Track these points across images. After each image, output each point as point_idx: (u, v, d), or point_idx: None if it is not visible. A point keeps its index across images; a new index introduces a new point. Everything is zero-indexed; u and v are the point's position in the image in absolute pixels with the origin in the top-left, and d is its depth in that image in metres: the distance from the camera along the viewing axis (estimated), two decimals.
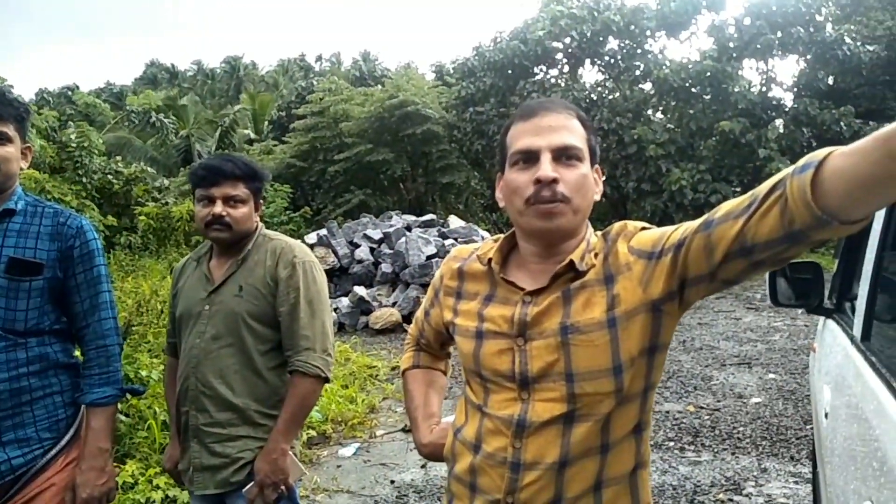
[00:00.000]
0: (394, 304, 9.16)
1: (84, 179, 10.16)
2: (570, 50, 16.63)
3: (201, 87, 35.31)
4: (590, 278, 1.21)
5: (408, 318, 8.92)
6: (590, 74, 19.22)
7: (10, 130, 1.84)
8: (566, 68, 17.53)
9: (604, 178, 1.33)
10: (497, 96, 17.08)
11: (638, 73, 16.38)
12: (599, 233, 1.29)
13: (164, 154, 19.13)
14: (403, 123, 16.88)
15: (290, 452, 1.99)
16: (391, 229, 10.28)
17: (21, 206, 1.88)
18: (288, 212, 14.74)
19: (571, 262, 1.20)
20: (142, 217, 12.49)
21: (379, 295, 9.40)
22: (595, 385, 1.16)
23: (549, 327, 1.19)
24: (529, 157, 1.20)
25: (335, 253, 10.00)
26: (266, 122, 23.73)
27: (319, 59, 42.49)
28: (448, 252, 9.17)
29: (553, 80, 16.99)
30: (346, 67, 38.68)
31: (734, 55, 14.62)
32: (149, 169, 13.48)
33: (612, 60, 16.75)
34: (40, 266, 1.83)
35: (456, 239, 10.02)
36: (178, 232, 12.25)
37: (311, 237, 10.41)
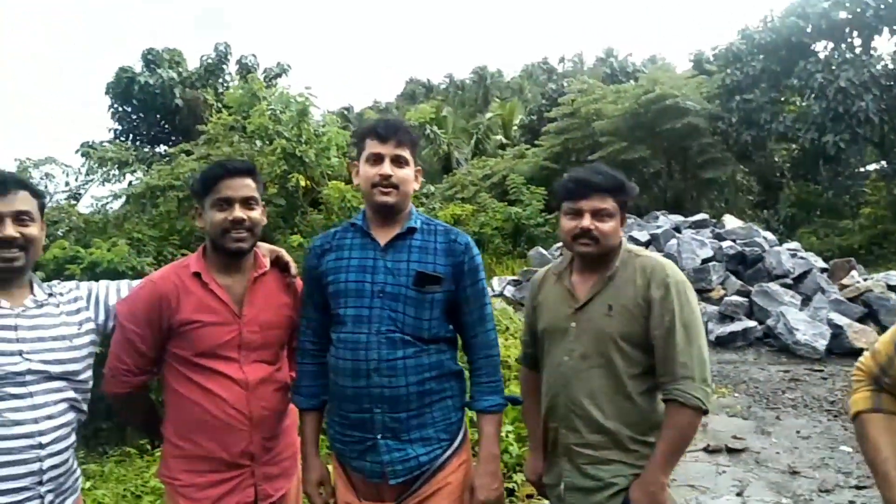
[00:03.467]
0: None
1: None
2: (864, 18, 14.33)
3: (453, 99, 37.62)
4: None
5: None
6: (887, 45, 16.32)
7: (407, 154, 2.03)
8: (857, 41, 15.16)
9: None
10: (769, 81, 15.45)
11: None
12: None
13: (426, 162, 20.78)
14: (660, 118, 16.08)
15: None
16: (659, 230, 9.81)
17: (418, 224, 2.05)
18: (543, 214, 14.90)
19: None
20: None
21: None
22: None
23: None
24: None
25: None
26: (515, 127, 24.41)
27: (562, 60, 42.63)
28: (727, 255, 8.32)
29: (839, 57, 14.80)
30: (589, 66, 38.24)
31: None
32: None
33: None
34: (440, 279, 1.98)
35: (734, 241, 9.20)
36: None
37: None
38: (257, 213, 2.05)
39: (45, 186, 12.67)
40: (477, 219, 14.67)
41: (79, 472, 2.03)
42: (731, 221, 10.28)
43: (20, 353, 1.84)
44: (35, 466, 1.82)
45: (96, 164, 12.07)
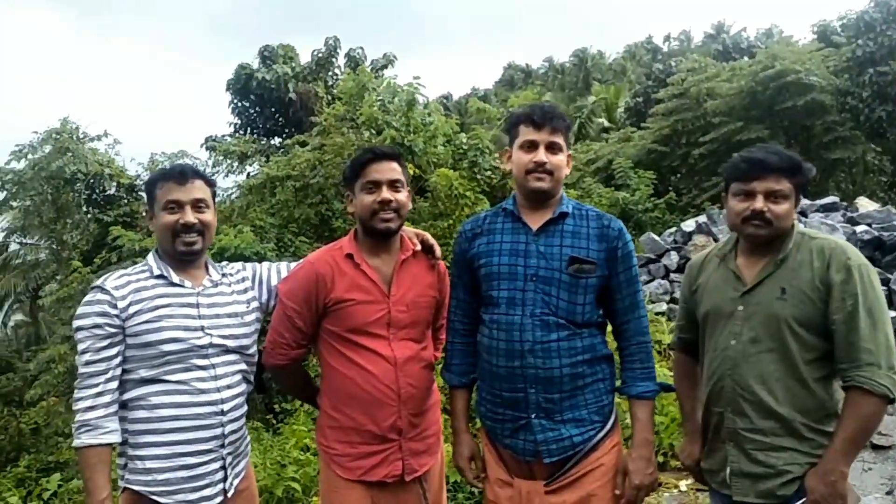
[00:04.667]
0: None
1: (478, 176, 11.42)
2: None
3: (552, 83, 36.99)
4: None
5: None
6: None
7: (561, 141, 2.04)
8: None
9: None
10: None
11: None
12: None
13: None
14: (779, 96, 15.08)
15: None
16: None
17: (570, 208, 2.07)
18: (652, 199, 14.40)
19: None
20: None
21: None
22: None
23: None
24: None
25: (717, 241, 9.40)
26: (620, 110, 23.68)
27: (667, 38, 40.85)
28: (862, 240, 7.72)
29: None
30: (697, 43, 36.37)
31: None
32: None
33: None
34: (594, 264, 1.99)
35: (870, 225, 8.52)
36: None
37: (689, 224, 9.98)
38: (403, 196, 2.14)
39: None
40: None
41: (248, 437, 2.22)
42: (865, 204, 9.52)
43: (202, 328, 2.02)
44: (218, 431, 2.01)
45: (221, 157, 12.90)
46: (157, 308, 1.98)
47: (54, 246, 13.36)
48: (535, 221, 2.05)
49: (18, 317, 20.45)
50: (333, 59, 15.71)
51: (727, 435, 1.97)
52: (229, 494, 2.05)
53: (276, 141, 15.79)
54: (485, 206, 11.58)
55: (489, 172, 13.98)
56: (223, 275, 2.19)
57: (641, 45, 39.79)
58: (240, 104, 15.79)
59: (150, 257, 2.10)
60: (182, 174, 2.08)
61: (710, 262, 2.13)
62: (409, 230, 2.30)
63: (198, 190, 2.09)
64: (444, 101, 33.39)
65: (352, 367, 2.10)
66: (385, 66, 15.07)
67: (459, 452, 2.18)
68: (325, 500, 2.19)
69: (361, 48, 15.33)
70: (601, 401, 2.02)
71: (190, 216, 2.05)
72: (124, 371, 1.98)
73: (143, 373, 1.97)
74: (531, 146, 2.02)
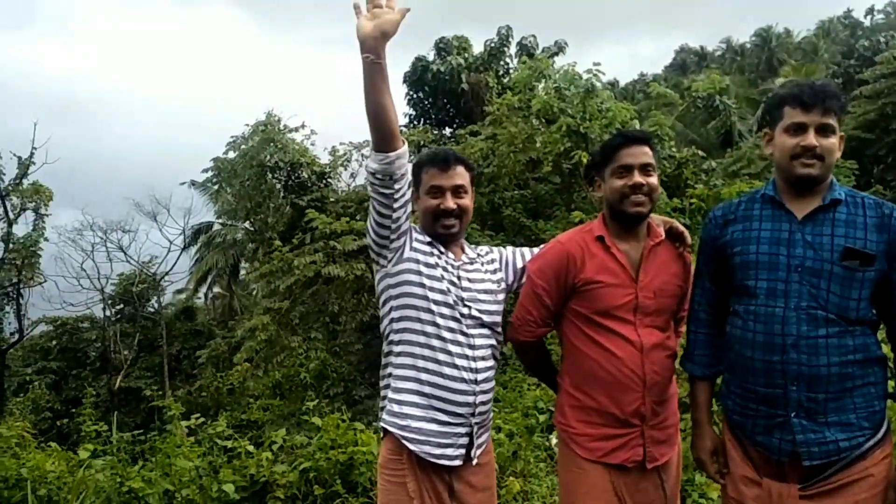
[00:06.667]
0: None
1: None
2: None
3: (730, 65, 34.42)
4: None
5: None
6: None
7: (834, 122, 1.89)
8: None
9: None
10: None
11: None
12: None
13: (702, 136, 19.36)
14: None
15: None
16: None
17: (842, 195, 1.91)
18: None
19: None
20: (693, 199, 12.79)
21: None
22: None
23: None
24: None
25: None
26: None
27: (870, 11, 36.30)
28: None
29: None
30: None
31: None
32: (699, 152, 13.75)
33: None
34: (872, 257, 1.83)
35: None
36: None
37: None
38: (654, 180, 2.12)
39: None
40: None
41: (492, 412, 2.32)
42: None
43: (463, 300, 2.15)
44: (471, 399, 2.13)
45: None
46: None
47: (256, 227, 14.88)
48: (800, 209, 1.92)
49: (216, 289, 23.15)
50: (505, 49, 15.85)
51: None
52: (473, 463, 2.16)
53: (447, 131, 16.26)
54: (661, 197, 11.09)
55: (665, 161, 13.36)
56: (477, 254, 2.32)
57: (838, 20, 35.77)
58: (415, 95, 16.45)
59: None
60: (445, 161, 2.22)
61: None
62: (656, 217, 2.27)
63: (458, 176, 2.22)
64: (611, 87, 32.40)
65: (597, 350, 2.11)
66: (556, 54, 14.92)
67: (702, 446, 2.11)
68: (564, 479, 2.23)
69: (534, 36, 15.32)
70: (872, 406, 1.86)
71: (450, 202, 2.18)
72: (394, 321, 2.16)
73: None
74: (798, 129, 1.89)
